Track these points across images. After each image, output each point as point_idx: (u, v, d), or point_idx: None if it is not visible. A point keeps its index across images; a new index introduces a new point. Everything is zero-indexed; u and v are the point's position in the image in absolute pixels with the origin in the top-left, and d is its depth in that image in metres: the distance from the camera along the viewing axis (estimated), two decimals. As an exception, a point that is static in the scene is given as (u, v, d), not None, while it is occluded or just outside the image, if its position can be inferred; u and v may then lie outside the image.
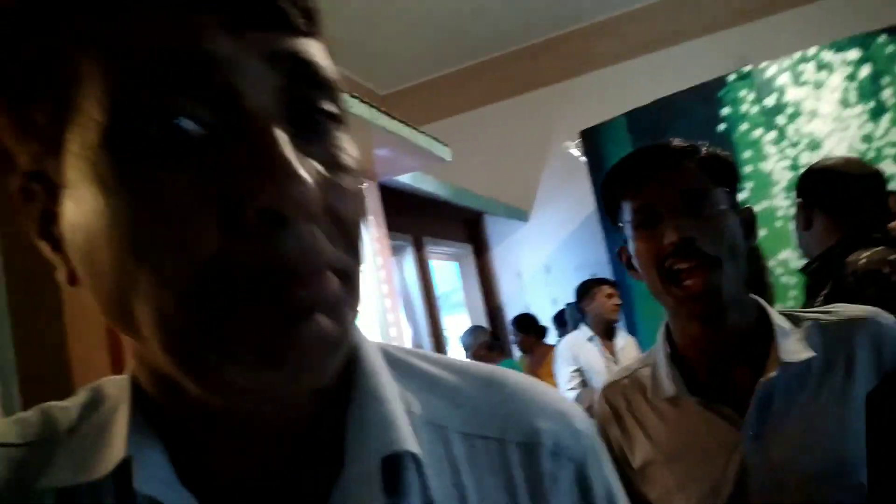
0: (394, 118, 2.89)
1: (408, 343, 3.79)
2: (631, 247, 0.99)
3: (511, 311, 5.34)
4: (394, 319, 3.26)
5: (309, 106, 0.37)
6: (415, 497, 0.41)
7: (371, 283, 3.15)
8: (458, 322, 5.50)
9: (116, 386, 0.45)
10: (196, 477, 0.40)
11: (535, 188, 5.72)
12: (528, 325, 4.45)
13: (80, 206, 0.36)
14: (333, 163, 0.37)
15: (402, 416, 0.43)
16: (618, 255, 1.07)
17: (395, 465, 0.41)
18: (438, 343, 4.65)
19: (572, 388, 3.37)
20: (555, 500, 0.44)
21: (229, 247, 0.33)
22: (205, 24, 0.34)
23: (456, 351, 5.42)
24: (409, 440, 0.41)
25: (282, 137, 0.34)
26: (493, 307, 5.74)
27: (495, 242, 5.89)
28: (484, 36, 5.55)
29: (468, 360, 0.53)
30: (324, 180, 0.36)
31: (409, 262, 4.58)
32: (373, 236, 3.22)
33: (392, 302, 3.29)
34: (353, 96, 2.53)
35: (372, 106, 2.70)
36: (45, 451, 0.42)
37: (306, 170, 0.33)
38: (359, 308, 0.39)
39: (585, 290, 3.53)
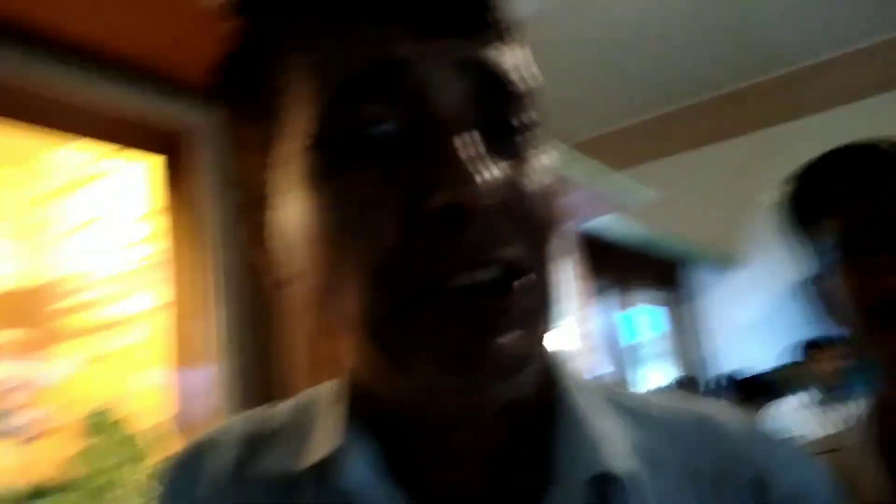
0: (589, 160, 2.87)
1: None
2: (831, 281, 0.72)
3: (717, 367, 4.97)
4: (587, 366, 3.18)
5: (500, 112, 0.38)
6: None
7: (567, 328, 3.11)
8: (655, 374, 5.22)
9: (325, 392, 0.48)
10: (402, 479, 0.41)
11: (746, 235, 5.34)
12: (752, 388, 4.00)
13: (287, 210, 0.39)
14: (523, 165, 0.38)
15: (612, 435, 0.42)
16: (805, 289, 0.79)
17: (608, 490, 0.40)
18: (634, 395, 4.44)
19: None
20: None
21: (411, 239, 0.34)
22: (398, 33, 0.36)
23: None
24: (620, 459, 0.40)
25: (464, 139, 0.35)
26: (695, 360, 5.38)
27: (701, 292, 5.55)
28: (688, 80, 5.34)
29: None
30: (509, 184, 0.36)
31: (606, 308, 4.45)
32: (574, 284, 3.18)
33: (587, 348, 3.21)
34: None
35: (571, 149, 2.69)
36: (257, 447, 0.47)
37: (489, 172, 0.34)
38: (551, 319, 0.38)
39: (805, 349, 3.17)
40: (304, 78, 0.38)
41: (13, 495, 2.45)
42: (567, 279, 3.03)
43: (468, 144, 0.35)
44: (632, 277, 4.67)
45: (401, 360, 0.35)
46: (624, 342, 4.46)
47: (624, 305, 4.56)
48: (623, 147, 5.76)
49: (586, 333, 3.21)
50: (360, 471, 0.40)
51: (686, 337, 5.39)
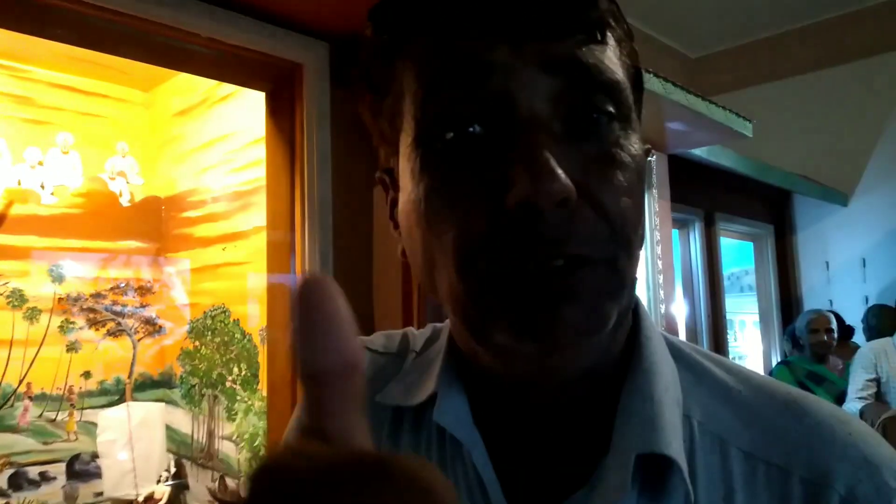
0: (689, 92, 2.80)
1: (680, 321, 3.70)
2: None
3: (809, 304, 4.83)
4: (667, 295, 3.21)
5: (586, 107, 0.40)
6: (677, 502, 0.40)
7: (646, 255, 3.14)
8: (743, 306, 5.13)
9: (446, 332, 0.52)
10: (485, 423, 0.46)
11: (861, 169, 5.00)
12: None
13: (402, 194, 0.45)
14: (606, 158, 0.40)
15: (671, 419, 0.42)
16: None
17: (661, 467, 0.41)
18: (716, 324, 4.42)
19: (861, 398, 3.04)
20: None
21: (495, 229, 0.38)
22: (493, 43, 0.39)
23: (738, 336, 5.07)
24: (672, 445, 0.40)
25: (544, 141, 0.38)
26: (788, 296, 5.21)
27: (802, 226, 5.30)
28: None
29: (765, 375, 0.48)
30: (590, 175, 0.39)
31: (695, 237, 4.39)
32: (654, 209, 3.18)
33: (666, 277, 3.23)
34: (646, 71, 2.52)
35: (666, 80, 2.65)
36: (397, 363, 0.54)
37: (568, 168, 0.37)
38: (625, 298, 0.41)
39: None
40: (410, 84, 0.42)
41: (123, 386, 2.83)
42: (649, 206, 3.04)
43: (546, 145, 0.37)
44: (725, 207, 4.55)
45: (481, 331, 0.40)
46: (707, 273, 4.40)
47: (712, 235, 4.47)
48: (732, 67, 5.46)
49: (663, 263, 3.22)
50: (446, 414, 0.45)
51: (779, 272, 5.21)
